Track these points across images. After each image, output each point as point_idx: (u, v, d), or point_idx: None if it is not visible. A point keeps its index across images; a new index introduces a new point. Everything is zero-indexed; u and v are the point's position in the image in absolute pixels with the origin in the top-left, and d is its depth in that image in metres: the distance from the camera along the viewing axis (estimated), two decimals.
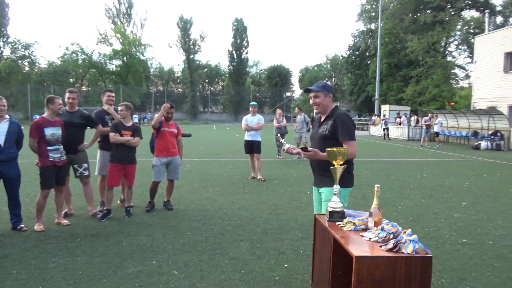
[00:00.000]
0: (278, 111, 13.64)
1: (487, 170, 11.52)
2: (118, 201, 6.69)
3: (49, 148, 5.18)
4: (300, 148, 3.33)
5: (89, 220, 5.68)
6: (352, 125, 3.40)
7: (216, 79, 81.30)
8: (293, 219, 5.85)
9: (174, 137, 6.40)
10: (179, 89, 77.31)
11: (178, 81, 76.91)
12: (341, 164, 2.98)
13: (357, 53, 53.09)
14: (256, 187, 8.26)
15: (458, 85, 43.43)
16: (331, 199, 3.22)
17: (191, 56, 68.11)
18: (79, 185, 6.48)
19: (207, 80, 79.40)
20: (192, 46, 67.58)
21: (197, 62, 72.01)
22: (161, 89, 72.41)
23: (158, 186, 6.42)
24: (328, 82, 3.60)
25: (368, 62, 50.52)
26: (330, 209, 2.97)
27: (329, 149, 2.96)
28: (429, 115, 21.26)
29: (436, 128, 20.44)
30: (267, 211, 6.28)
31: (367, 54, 51.47)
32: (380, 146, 20.36)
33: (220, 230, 5.27)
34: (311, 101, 3.56)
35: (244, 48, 69.67)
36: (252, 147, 9.26)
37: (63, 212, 5.80)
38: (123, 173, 5.80)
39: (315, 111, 3.59)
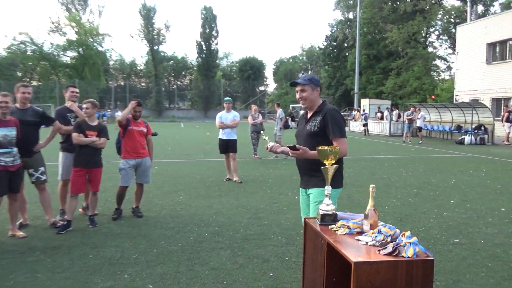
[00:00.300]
0: (254, 107, 13.66)
1: (473, 166, 11.93)
2: (80, 209, 6.50)
3: (0, 151, 4.96)
4: (288, 147, 3.32)
5: (48, 231, 5.48)
6: (343, 121, 3.46)
7: (183, 73, 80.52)
8: (276, 223, 5.85)
9: (143, 137, 6.28)
10: (142, 84, 76.07)
11: (141, 74, 75.63)
12: (332, 164, 2.99)
13: (335, 44, 53.86)
14: (232, 190, 8.23)
15: (440, 77, 44.86)
16: (321, 200, 3.23)
17: (155, 47, 67.17)
18: (34, 192, 6.26)
19: (173, 74, 78.53)
20: (156, 36, 66.67)
21: (162, 53, 71.04)
22: (122, 83, 70.99)
23: (126, 192, 6.28)
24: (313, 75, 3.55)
25: (346, 54, 51.40)
26: (321, 212, 2.98)
27: (320, 147, 2.96)
28: (411, 109, 21.81)
29: (419, 123, 21.01)
30: (246, 216, 6.26)
31: (345, 45, 52.36)
32: (361, 143, 20.74)
33: (197, 238, 5.21)
34: (297, 96, 3.56)
35: (213, 39, 69.34)
36: (228, 146, 9.22)
37: (17, 223, 5.57)
38: (88, 178, 5.64)
39: (302, 105, 3.59)
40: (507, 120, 19.67)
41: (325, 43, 56.21)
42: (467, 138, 20.17)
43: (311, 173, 3.42)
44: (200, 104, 70.32)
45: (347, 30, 51.55)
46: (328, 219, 2.99)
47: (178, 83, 77.10)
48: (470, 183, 9.14)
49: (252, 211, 6.52)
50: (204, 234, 5.36)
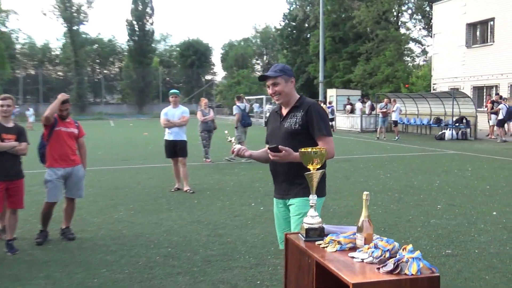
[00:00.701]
0: (203, 100, 13.63)
1: (457, 165, 12.55)
2: None
3: None
4: (269, 148, 3.34)
5: None
6: (327, 117, 3.54)
7: (111, 59, 78.70)
8: (240, 240, 5.89)
9: (73, 140, 6.14)
10: (59, 73, 73.61)
11: (57, 61, 73.06)
12: (318, 168, 3.04)
13: (294, 24, 54.66)
14: (184, 202, 8.19)
15: (415, 63, 46.66)
16: (305, 212, 3.28)
17: (75, 28, 65.18)
18: None
19: (98, 60, 76.61)
20: (75, 14, 64.78)
21: (84, 35, 69.13)
22: (33, 72, 68.23)
23: (53, 209, 6.09)
24: (284, 65, 3.52)
25: (308, 36, 52.31)
26: (306, 226, 3.02)
27: (303, 150, 3.00)
28: (385, 100, 22.59)
29: (394, 116, 21.79)
30: (204, 233, 6.24)
31: (306, 25, 53.25)
32: None
33: (147, 262, 5.14)
34: (269, 91, 3.58)
35: (148, 17, 68.31)
36: (176, 149, 9.14)
37: None
38: (6, 192, 5.40)
39: (276, 102, 3.60)
40: (492, 112, 20.82)
41: (282, 23, 56.92)
42: (448, 133, 21.16)
43: (293, 180, 3.45)
44: (133, 97, 69.02)
45: (308, 7, 52.48)
46: (314, 234, 3.04)
47: (105, 71, 75.34)
48: (456, 184, 9.61)
49: (211, 227, 6.51)
50: (155, 257, 5.29)
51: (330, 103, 30.67)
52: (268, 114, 4.16)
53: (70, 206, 6.24)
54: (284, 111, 3.57)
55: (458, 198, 8.26)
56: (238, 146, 3.56)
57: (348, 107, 29.68)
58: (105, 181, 10.50)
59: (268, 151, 3.33)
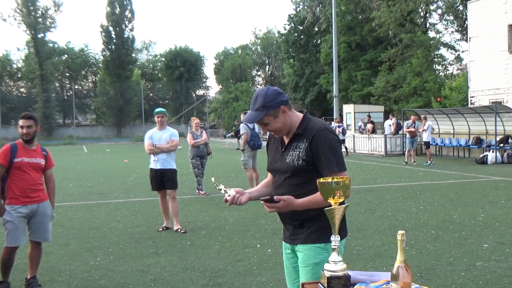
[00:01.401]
0: (195, 120, 13.66)
1: (504, 194, 12.49)
2: None
3: None
4: (263, 201, 3.26)
5: None
6: (339, 145, 3.40)
7: (84, 72, 79.38)
8: None
9: (40, 172, 6.11)
10: (22, 89, 74.05)
11: (19, 75, 73.60)
12: (340, 203, 3.00)
13: (301, 28, 55.28)
14: (174, 244, 8.12)
15: (447, 72, 46.90)
16: (316, 263, 3.23)
17: (40, 36, 65.76)
18: None
19: (68, 74, 77.18)
20: (40, 20, 65.38)
21: (51, 44, 69.77)
22: None
23: (15, 254, 6.04)
24: (267, 88, 3.32)
25: (319, 41, 52.76)
26: (328, 274, 2.97)
27: (322, 180, 2.96)
28: (412, 117, 22.62)
29: (425, 137, 21.77)
30: (200, 282, 6.18)
31: (316, 29, 53.81)
32: (349, 167, 20.89)
33: None
34: (263, 131, 3.55)
35: (127, 22, 69.17)
36: (163, 180, 9.10)
37: None
38: None
39: (279, 137, 3.52)
40: None
41: (287, 27, 57.48)
42: (491, 155, 21.13)
43: (301, 222, 3.37)
44: (110, 117, 69.33)
45: (318, 8, 53.07)
46: (338, 284, 2.98)
47: (77, 87, 75.77)
48: (505, 218, 9.53)
49: (208, 275, 6.44)
50: None
51: (338, 121, 30.63)
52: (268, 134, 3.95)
53: (36, 251, 6.17)
54: (286, 139, 3.46)
55: (508, 235, 8.18)
56: (231, 192, 3.45)
57: (369, 126, 29.71)
58: (78, 219, 10.42)
59: (262, 202, 3.23)
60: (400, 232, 2.83)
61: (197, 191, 13.58)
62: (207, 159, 13.78)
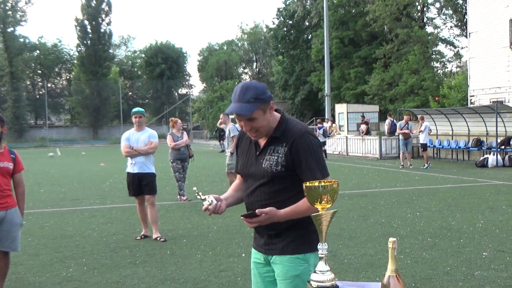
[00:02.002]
0: (175, 120, 13.61)
1: (505, 199, 12.58)
2: None
3: None
4: (243, 216, 3.15)
5: None
6: (320, 149, 3.36)
7: (57, 69, 78.93)
8: None
9: (7, 177, 6.07)
10: None
11: None
12: (328, 209, 3.00)
13: (291, 22, 55.39)
14: (153, 253, 8.10)
15: (446, 70, 47.18)
16: (296, 275, 3.20)
17: (9, 30, 65.41)
18: None
19: (40, 71, 76.70)
20: (10, 13, 65.09)
21: (22, 39, 69.28)
22: None
23: None
24: (254, 81, 3.32)
25: (309, 37, 52.89)
26: (315, 285, 2.97)
27: (309, 184, 2.96)
28: (405, 117, 22.66)
29: (422, 138, 21.88)
30: None
31: (307, 23, 53.96)
32: (341, 171, 21.23)
33: None
34: (241, 124, 3.30)
35: (104, 16, 69.05)
36: (141, 185, 9.07)
37: None
38: None
39: (253, 139, 3.36)
40: None
41: (276, 21, 57.58)
42: (492, 158, 21.28)
43: (276, 231, 3.29)
44: (85, 118, 69.10)
45: (309, 1, 53.21)
46: None
47: (50, 85, 75.34)
48: (505, 224, 9.60)
49: (189, 286, 6.44)
50: None
51: (320, 122, 30.62)
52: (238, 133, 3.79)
53: (3, 262, 6.12)
54: (262, 141, 3.35)
55: (509, 243, 8.22)
56: (211, 200, 3.37)
57: (363, 126, 29.85)
58: (49, 227, 10.35)
59: (242, 218, 3.16)
60: (391, 239, 2.84)
61: (178, 196, 13.56)
62: (189, 162, 13.76)
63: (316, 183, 3.00)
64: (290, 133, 3.24)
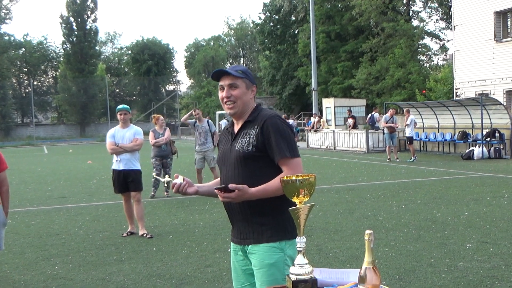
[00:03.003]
0: (156, 117, 13.64)
1: (490, 191, 12.69)
2: None
3: None
4: (216, 189, 3.24)
5: None
6: (291, 132, 3.45)
7: (43, 67, 78.43)
8: None
9: None
10: None
11: None
12: (306, 202, 3.03)
13: (277, 17, 55.35)
14: (139, 250, 8.12)
15: (432, 63, 47.42)
16: (271, 263, 3.23)
17: None
18: None
19: (26, 69, 76.20)
20: None
21: (6, 37, 68.80)
22: None
23: None
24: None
25: (296, 32, 52.91)
26: (294, 278, 2.99)
27: (285, 178, 2.98)
28: (390, 111, 22.74)
29: (408, 132, 21.99)
30: None
31: (293, 18, 53.98)
32: (328, 165, 21.30)
33: None
34: (222, 94, 3.44)
35: (89, 13, 68.63)
36: (127, 182, 9.07)
37: None
38: None
39: (227, 111, 3.54)
40: None
41: (263, 16, 57.54)
42: (477, 151, 21.43)
43: (252, 219, 3.35)
44: (72, 115, 68.77)
45: None
46: None
47: (36, 83, 74.95)
48: (489, 216, 9.68)
49: (174, 282, 6.45)
50: None
51: (286, 117, 30.69)
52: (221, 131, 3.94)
53: None
54: (236, 127, 3.51)
55: (492, 234, 8.31)
56: (179, 181, 3.45)
57: (350, 121, 29.93)
58: (35, 225, 10.33)
59: (216, 191, 3.24)
60: (367, 232, 2.87)
61: (165, 192, 13.57)
62: (173, 159, 13.77)
63: (294, 177, 3.03)
64: (262, 116, 3.39)
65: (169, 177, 3.67)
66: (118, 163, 9.12)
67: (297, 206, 3.03)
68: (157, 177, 3.57)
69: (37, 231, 9.82)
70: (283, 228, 3.31)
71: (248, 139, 3.35)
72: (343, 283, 3.07)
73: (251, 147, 3.32)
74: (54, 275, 6.97)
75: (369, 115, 29.06)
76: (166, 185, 3.56)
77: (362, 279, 2.85)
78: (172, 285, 6.35)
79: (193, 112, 14.26)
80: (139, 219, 9.14)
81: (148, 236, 8.93)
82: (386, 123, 21.84)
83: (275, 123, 3.33)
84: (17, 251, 8.24)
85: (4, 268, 7.29)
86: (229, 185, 3.18)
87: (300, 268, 3.04)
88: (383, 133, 23.22)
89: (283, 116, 31.20)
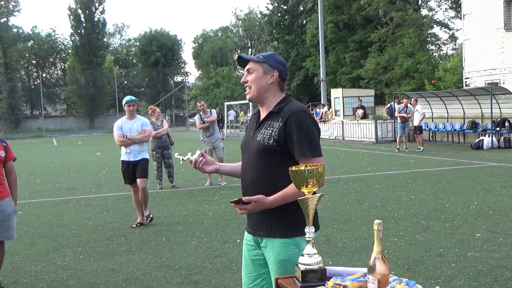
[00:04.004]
0: (153, 108, 13.71)
1: (500, 181, 12.63)
2: None
3: None
4: (233, 203, 3.19)
5: None
6: (316, 129, 3.36)
7: (52, 59, 78.60)
8: None
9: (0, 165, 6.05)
10: None
11: None
12: (314, 192, 3.02)
13: (285, 7, 55.15)
14: (149, 240, 8.15)
15: (441, 53, 47.12)
16: (286, 260, 3.23)
17: (3, 20, 65.07)
18: None
19: (34, 61, 76.42)
20: (3, 3, 64.72)
21: (15, 30, 68.99)
22: None
23: None
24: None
25: (304, 22, 52.69)
26: (303, 268, 3.00)
27: (294, 168, 2.98)
28: (404, 101, 22.71)
29: (416, 121, 21.91)
30: (175, 280, 6.21)
31: (301, 8, 53.73)
32: (337, 155, 21.25)
33: None
34: (243, 79, 3.46)
35: (97, 4, 68.74)
36: (135, 171, 9.10)
37: None
38: None
39: (247, 98, 3.47)
40: None
41: (270, 7, 57.37)
42: (487, 140, 21.33)
43: (267, 212, 3.30)
44: (81, 107, 68.96)
45: None
46: (313, 278, 3.01)
47: (44, 75, 75.16)
48: (499, 206, 9.65)
49: (184, 273, 6.47)
50: None
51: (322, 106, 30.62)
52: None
53: None
54: (262, 116, 3.44)
55: (502, 224, 8.28)
56: (195, 156, 3.45)
57: (360, 111, 29.87)
58: (45, 217, 10.37)
59: (233, 205, 3.20)
60: (376, 221, 2.86)
61: (158, 185, 13.52)
62: (171, 150, 13.82)
63: (302, 167, 3.02)
64: (287, 110, 3.29)
65: (171, 168, 3.67)
66: (127, 155, 9.14)
67: (306, 196, 3.03)
68: (177, 157, 3.56)
69: (47, 222, 9.88)
70: (297, 224, 3.24)
71: (270, 131, 3.28)
72: (352, 272, 3.07)
73: (272, 140, 3.26)
74: (64, 265, 7.01)
75: (388, 105, 28.95)
76: (181, 162, 3.55)
77: (371, 269, 2.85)
78: (182, 275, 6.37)
79: (198, 104, 14.31)
80: (143, 202, 9.21)
81: (149, 219, 9.20)
82: (399, 113, 21.79)
83: (300, 118, 3.24)
84: (28, 242, 8.28)
85: (15, 259, 7.33)
86: (244, 198, 3.15)
87: (309, 258, 3.04)
88: (395, 123, 23.13)
89: (321, 106, 31.08)
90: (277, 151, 3.27)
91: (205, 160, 3.42)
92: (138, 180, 9.12)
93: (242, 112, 47.59)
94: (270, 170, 3.28)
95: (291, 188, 3.20)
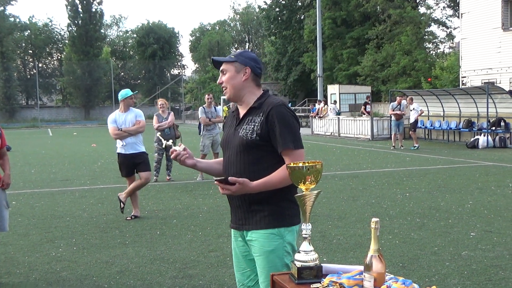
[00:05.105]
0: (160, 101, 13.66)
1: (495, 180, 12.66)
2: None
3: None
4: (216, 181, 3.23)
5: None
6: (296, 122, 3.42)
7: (48, 49, 78.29)
8: (216, 283, 5.85)
9: None
10: None
11: None
12: (312, 189, 3.01)
13: (283, 2, 54.99)
14: (143, 233, 8.13)
15: (438, 51, 47.13)
16: (271, 250, 3.24)
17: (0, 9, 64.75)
18: None
19: (31, 51, 76.10)
20: None
21: (12, 19, 68.70)
22: None
23: None
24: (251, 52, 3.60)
25: (302, 17, 52.61)
26: (299, 265, 2.99)
27: (292, 165, 2.98)
28: (398, 98, 22.70)
29: (412, 119, 21.93)
30: (169, 274, 6.20)
31: (299, 4, 53.64)
32: (333, 151, 21.27)
33: None
34: (218, 80, 3.53)
35: None
36: (135, 164, 9.07)
37: None
38: None
39: (226, 98, 3.54)
40: None
41: (268, 1, 57.19)
42: (482, 139, 21.38)
43: (251, 206, 3.34)
44: (77, 98, 68.81)
45: None
46: (309, 275, 3.00)
47: (41, 65, 74.90)
48: (493, 205, 9.67)
49: (178, 266, 6.46)
50: None
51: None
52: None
53: None
54: (241, 113, 3.48)
55: (496, 223, 8.29)
56: (178, 149, 3.51)
57: (368, 107, 30.03)
58: (39, 207, 10.35)
59: (216, 183, 3.23)
60: (374, 219, 2.85)
61: (154, 177, 13.47)
62: (176, 143, 13.77)
63: (300, 164, 3.02)
64: (268, 104, 3.35)
65: (171, 161, 3.72)
66: (123, 147, 9.09)
67: (304, 192, 3.02)
68: (161, 138, 3.63)
69: (41, 213, 9.85)
70: (281, 215, 3.32)
71: (252, 126, 3.33)
72: (348, 270, 3.07)
73: (255, 135, 3.31)
74: (58, 257, 6.99)
75: (393, 104, 29.03)
76: (164, 147, 3.69)
77: (367, 267, 2.84)
78: (176, 269, 6.36)
79: (206, 96, 14.33)
80: (135, 198, 9.25)
81: (122, 204, 9.16)
82: (393, 111, 21.80)
83: (281, 112, 3.31)
84: (22, 233, 8.25)
85: (8, 249, 7.30)
86: (229, 178, 3.18)
87: (305, 255, 3.04)
88: (390, 120, 23.18)
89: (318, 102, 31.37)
90: (259, 145, 3.32)
91: (187, 153, 3.48)
92: (145, 174, 9.10)
93: (225, 107, 47.48)
94: (254, 164, 3.31)
95: (275, 174, 3.27)
